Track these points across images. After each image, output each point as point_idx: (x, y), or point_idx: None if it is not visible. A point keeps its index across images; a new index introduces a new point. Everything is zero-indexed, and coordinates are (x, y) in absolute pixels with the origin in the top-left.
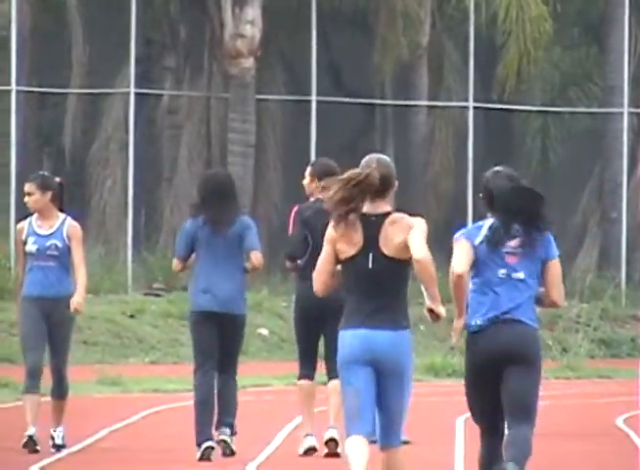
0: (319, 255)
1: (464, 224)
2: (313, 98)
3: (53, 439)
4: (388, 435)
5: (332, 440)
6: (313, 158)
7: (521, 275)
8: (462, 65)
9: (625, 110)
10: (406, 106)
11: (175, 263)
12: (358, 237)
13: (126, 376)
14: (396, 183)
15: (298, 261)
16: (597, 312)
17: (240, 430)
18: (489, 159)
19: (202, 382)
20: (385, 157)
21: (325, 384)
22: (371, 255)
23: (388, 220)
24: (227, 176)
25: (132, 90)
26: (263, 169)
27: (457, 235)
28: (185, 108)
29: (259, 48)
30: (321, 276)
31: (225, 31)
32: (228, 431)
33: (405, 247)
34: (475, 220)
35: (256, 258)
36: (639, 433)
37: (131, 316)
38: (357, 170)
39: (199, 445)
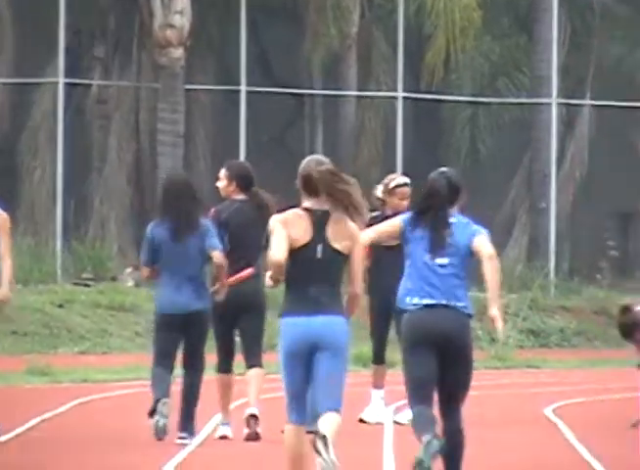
0: (236, 254)
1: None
2: (243, 88)
3: None
4: (328, 400)
5: (252, 416)
6: (243, 148)
7: (445, 261)
8: (391, 55)
9: (554, 100)
10: (335, 96)
11: (144, 271)
12: (308, 229)
13: (55, 366)
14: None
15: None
16: (526, 303)
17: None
18: (418, 149)
19: (159, 379)
20: (324, 158)
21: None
22: (320, 246)
23: (332, 218)
24: (188, 180)
25: (61, 80)
26: (192, 160)
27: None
28: (114, 98)
29: (189, 38)
30: (281, 247)
31: (154, 21)
32: (187, 437)
33: (350, 247)
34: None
35: (217, 257)
36: (567, 422)
37: (60, 306)
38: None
39: (156, 401)
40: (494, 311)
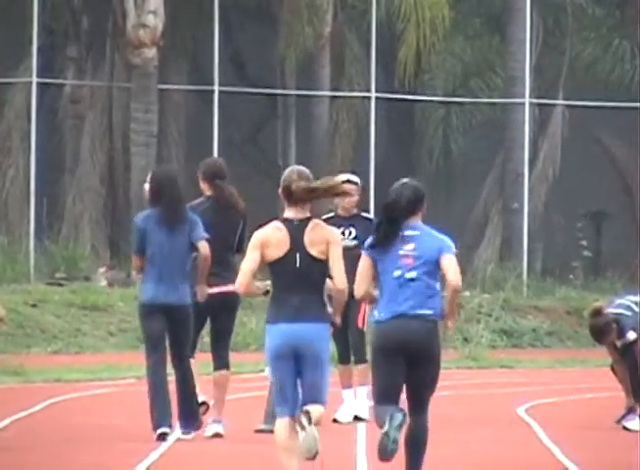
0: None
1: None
2: (216, 88)
3: None
4: (312, 394)
5: (217, 435)
6: (216, 148)
7: (413, 274)
8: (364, 55)
9: (527, 100)
10: (308, 96)
11: (136, 260)
12: (285, 240)
13: (28, 366)
14: None
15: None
16: (498, 303)
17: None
18: (391, 149)
19: (154, 370)
20: (304, 169)
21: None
22: (298, 255)
23: (309, 225)
24: (176, 174)
25: (34, 80)
26: (166, 159)
27: (365, 246)
28: (87, 97)
29: (162, 38)
30: (244, 277)
31: (127, 21)
32: (191, 433)
33: (325, 252)
34: (376, 210)
35: (204, 246)
36: (540, 422)
37: (34, 306)
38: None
39: (155, 429)
40: (449, 324)
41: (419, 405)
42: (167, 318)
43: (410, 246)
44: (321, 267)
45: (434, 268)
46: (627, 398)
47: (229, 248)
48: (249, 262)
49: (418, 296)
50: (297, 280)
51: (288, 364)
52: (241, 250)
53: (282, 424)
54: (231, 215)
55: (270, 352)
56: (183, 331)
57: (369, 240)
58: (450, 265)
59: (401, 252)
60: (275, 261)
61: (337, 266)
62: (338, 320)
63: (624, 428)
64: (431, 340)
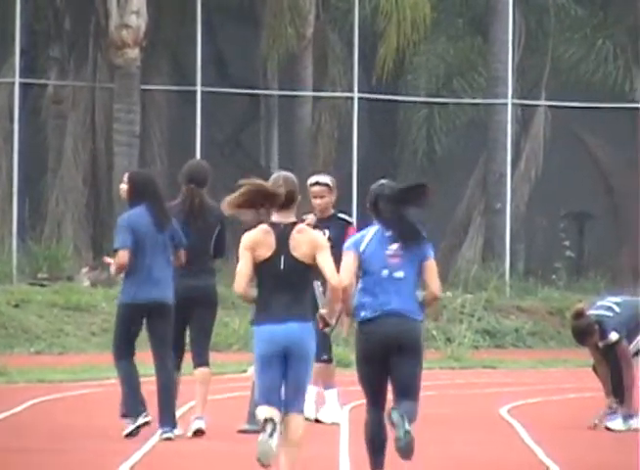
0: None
1: (348, 214)
2: (198, 88)
3: None
4: (292, 402)
5: (199, 431)
6: (199, 148)
7: (401, 274)
8: (346, 56)
9: (509, 101)
10: (291, 96)
11: (123, 255)
12: (272, 242)
13: (11, 366)
14: (299, 197)
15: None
16: (481, 303)
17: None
18: (374, 149)
19: (127, 366)
20: (290, 175)
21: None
22: (282, 257)
23: (295, 229)
24: (154, 175)
25: (17, 80)
26: (148, 160)
27: (346, 245)
28: (70, 98)
29: (145, 38)
30: (242, 279)
31: (110, 22)
32: (172, 431)
33: (311, 256)
34: (359, 211)
35: (181, 257)
36: (523, 422)
37: (16, 306)
38: (268, 183)
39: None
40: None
41: (407, 396)
42: (150, 317)
43: (395, 245)
44: (305, 270)
45: (418, 267)
46: (607, 398)
47: (203, 252)
48: (243, 265)
49: (404, 295)
50: (282, 281)
51: (276, 369)
52: (221, 255)
53: (264, 407)
54: (203, 221)
55: (260, 356)
56: (165, 329)
57: (352, 240)
58: (432, 274)
59: (388, 251)
60: (261, 263)
61: (327, 267)
62: (332, 322)
63: (607, 428)
64: (415, 332)
